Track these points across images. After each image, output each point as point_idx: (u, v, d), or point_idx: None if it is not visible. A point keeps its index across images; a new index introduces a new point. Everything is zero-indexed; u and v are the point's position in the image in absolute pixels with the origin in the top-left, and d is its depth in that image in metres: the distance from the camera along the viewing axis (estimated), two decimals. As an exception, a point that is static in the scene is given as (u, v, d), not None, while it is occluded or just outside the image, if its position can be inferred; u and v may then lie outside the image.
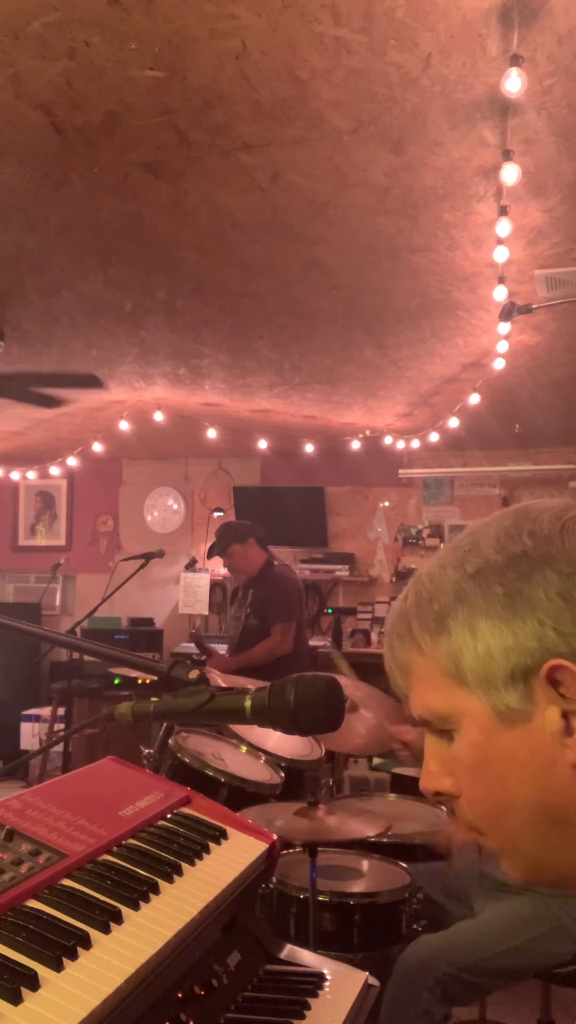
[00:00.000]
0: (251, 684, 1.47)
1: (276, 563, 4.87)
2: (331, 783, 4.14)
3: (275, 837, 1.34)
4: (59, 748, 5.58)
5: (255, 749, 2.94)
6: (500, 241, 2.84)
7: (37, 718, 6.50)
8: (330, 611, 6.90)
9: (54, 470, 7.14)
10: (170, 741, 2.68)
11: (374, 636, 6.58)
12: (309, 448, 6.34)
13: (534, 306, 2.82)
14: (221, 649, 5.06)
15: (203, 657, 5.00)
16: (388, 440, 6.05)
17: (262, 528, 4.91)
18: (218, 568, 6.86)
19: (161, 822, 1.25)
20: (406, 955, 2.17)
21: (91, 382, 4.84)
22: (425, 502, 6.89)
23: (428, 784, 0.77)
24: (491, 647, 0.69)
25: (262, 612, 4.68)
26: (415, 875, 2.40)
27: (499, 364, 4.17)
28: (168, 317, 3.91)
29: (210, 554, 5.05)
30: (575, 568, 0.68)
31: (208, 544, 7.27)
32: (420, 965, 2.13)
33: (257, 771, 2.83)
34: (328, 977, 1.25)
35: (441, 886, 2.48)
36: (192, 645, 5.64)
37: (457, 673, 0.71)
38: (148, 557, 4.61)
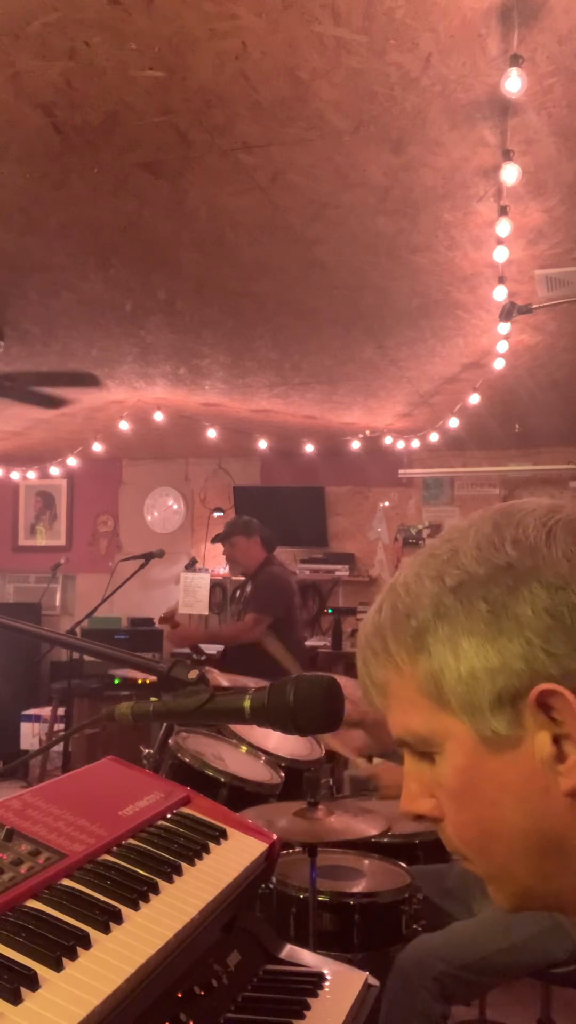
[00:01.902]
0: (251, 684, 1.48)
1: (275, 565, 4.88)
2: (331, 783, 4.13)
3: (275, 837, 1.34)
4: (59, 748, 5.58)
5: (255, 749, 2.94)
6: (500, 241, 2.84)
7: (37, 718, 6.50)
8: (330, 611, 6.90)
9: (54, 470, 7.14)
10: (170, 741, 2.68)
11: (374, 636, 6.58)
12: (309, 448, 6.35)
13: (534, 306, 2.82)
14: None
15: (203, 657, 5.02)
16: (388, 440, 6.05)
17: (273, 532, 4.93)
18: (218, 568, 6.86)
19: (161, 822, 1.25)
20: (404, 954, 2.17)
21: (89, 381, 4.84)
22: (425, 502, 6.89)
23: (409, 806, 0.72)
24: (475, 668, 0.64)
25: (247, 606, 4.70)
26: (415, 875, 2.40)
27: (499, 364, 4.18)
28: (168, 317, 3.91)
29: (214, 539, 5.06)
30: (564, 581, 0.63)
31: (207, 544, 7.30)
32: (418, 964, 2.13)
33: (257, 771, 2.83)
34: (328, 977, 1.25)
35: (440, 888, 2.48)
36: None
37: (438, 695, 0.66)
38: (148, 557, 4.62)
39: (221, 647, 5.05)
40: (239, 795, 2.61)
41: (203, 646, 5.05)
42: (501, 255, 2.90)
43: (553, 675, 0.62)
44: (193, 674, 1.10)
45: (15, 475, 7.46)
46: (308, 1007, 1.15)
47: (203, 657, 5.13)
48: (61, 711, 5.78)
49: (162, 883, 1.09)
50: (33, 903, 0.97)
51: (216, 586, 6.98)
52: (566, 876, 0.66)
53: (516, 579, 0.64)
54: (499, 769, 0.65)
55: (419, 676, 0.67)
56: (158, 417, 5.64)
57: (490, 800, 0.66)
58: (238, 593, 5.02)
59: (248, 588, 4.86)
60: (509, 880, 0.69)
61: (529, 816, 0.65)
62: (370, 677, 0.72)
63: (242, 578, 5.02)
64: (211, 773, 2.64)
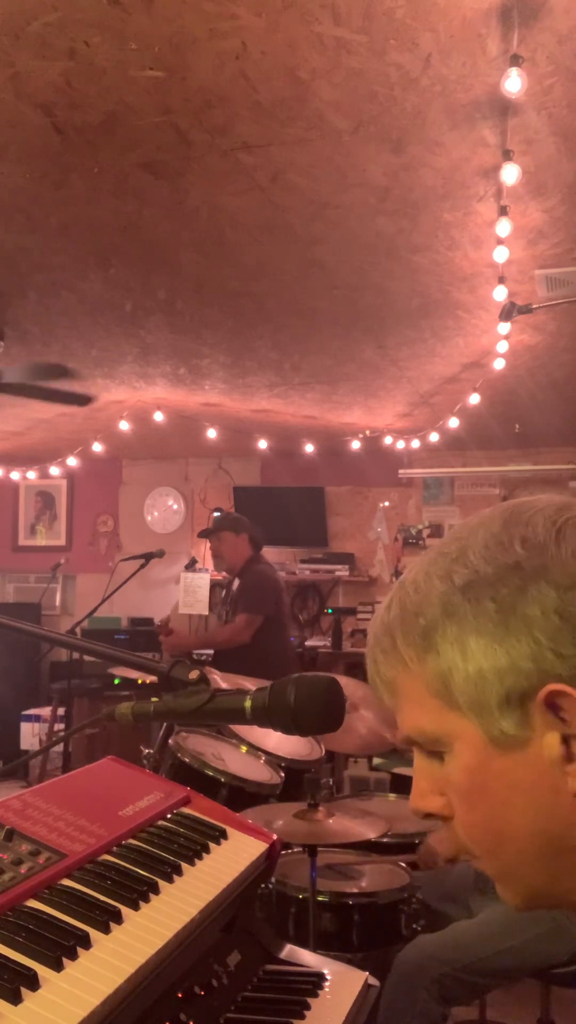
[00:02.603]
0: (251, 684, 1.48)
1: (261, 563, 4.88)
2: (331, 783, 4.13)
3: (275, 837, 1.34)
4: (59, 748, 5.58)
5: (255, 749, 2.94)
6: (500, 241, 2.84)
7: (37, 718, 6.50)
8: (330, 611, 6.90)
9: (54, 470, 7.14)
10: (170, 741, 2.68)
11: (374, 636, 6.57)
12: (309, 448, 6.35)
13: (534, 306, 2.82)
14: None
15: (203, 657, 5.01)
16: (388, 440, 6.05)
17: (261, 531, 4.92)
18: (218, 568, 6.86)
19: (161, 822, 1.25)
20: (404, 955, 2.17)
21: (80, 400, 4.79)
22: (425, 502, 6.89)
23: (419, 804, 0.72)
24: (483, 668, 0.64)
25: (235, 607, 4.67)
26: (414, 876, 2.40)
27: (499, 364, 4.18)
28: (168, 317, 3.91)
29: (201, 533, 5.04)
30: (573, 581, 0.62)
31: (208, 544, 7.30)
32: (418, 965, 2.13)
33: (257, 771, 2.83)
34: (328, 977, 1.25)
35: (438, 891, 2.48)
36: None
37: (447, 695, 0.66)
38: (148, 557, 4.61)
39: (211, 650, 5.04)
40: (239, 795, 2.61)
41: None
42: (501, 255, 2.90)
43: (562, 675, 0.62)
44: (194, 674, 1.10)
45: (15, 475, 7.46)
46: (308, 1007, 1.15)
47: (203, 657, 5.13)
48: (61, 711, 5.78)
49: (162, 883, 1.09)
50: (33, 903, 0.97)
51: (216, 586, 6.98)
52: (574, 877, 0.66)
53: (524, 578, 0.64)
54: (508, 769, 0.65)
55: (428, 675, 0.67)
56: (158, 417, 5.64)
57: (500, 800, 0.66)
58: (224, 592, 4.98)
59: (235, 587, 4.83)
60: (518, 880, 0.69)
61: (538, 817, 0.65)
62: (379, 676, 0.72)
63: (226, 575, 4.97)
64: (211, 773, 2.64)
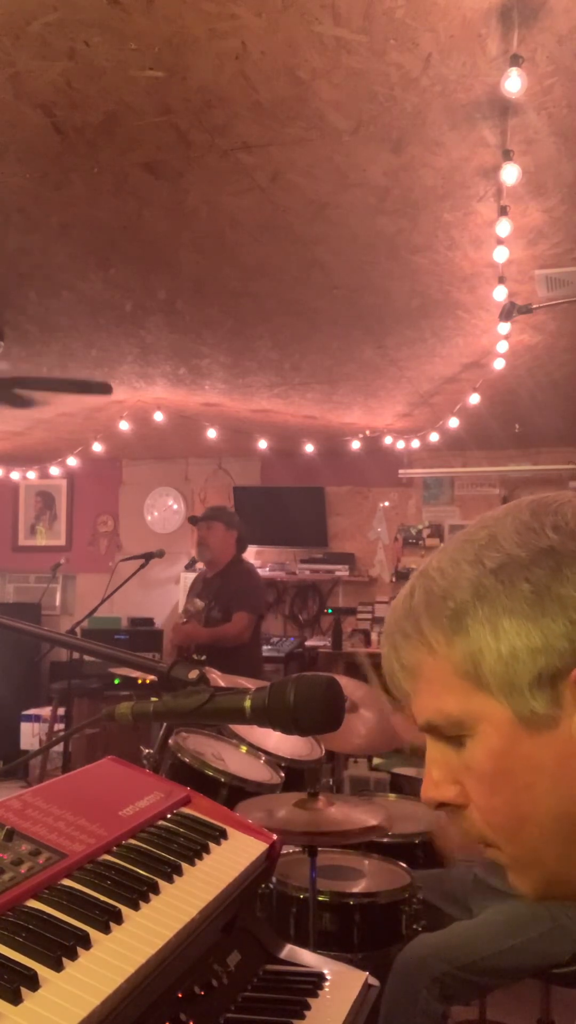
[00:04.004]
0: (250, 684, 1.48)
1: (247, 563, 4.87)
2: (331, 783, 4.14)
3: (275, 837, 1.34)
4: (59, 748, 5.58)
5: (255, 749, 2.94)
6: (500, 241, 2.84)
7: (37, 718, 6.50)
8: (330, 611, 6.90)
9: (54, 470, 7.14)
10: (170, 741, 2.68)
11: (374, 636, 6.58)
12: (309, 448, 6.35)
13: (534, 306, 2.82)
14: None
15: (202, 657, 5.00)
16: (388, 440, 6.05)
17: (249, 532, 4.92)
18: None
19: (161, 822, 1.25)
20: (404, 954, 2.17)
21: (103, 389, 4.81)
22: (425, 502, 6.89)
23: (432, 794, 0.72)
24: (516, 648, 0.64)
25: (226, 604, 4.62)
26: (415, 876, 2.40)
27: (499, 364, 4.17)
28: (168, 317, 3.91)
29: (193, 519, 4.98)
30: None
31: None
32: (418, 964, 2.13)
33: (257, 771, 2.83)
34: (328, 977, 1.25)
35: (439, 891, 2.48)
36: None
37: (476, 675, 0.66)
38: (148, 557, 4.61)
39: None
40: (239, 795, 2.61)
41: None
42: (501, 255, 2.90)
43: None
44: (193, 674, 1.10)
45: (15, 475, 7.46)
46: (308, 1007, 1.15)
47: (203, 657, 5.12)
48: (61, 711, 5.78)
49: (162, 883, 1.09)
50: (33, 903, 0.97)
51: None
52: None
53: (559, 561, 0.65)
54: (534, 751, 0.65)
55: (456, 657, 0.67)
56: (158, 417, 5.64)
57: (524, 783, 0.66)
58: (200, 585, 4.87)
59: (223, 584, 4.77)
60: (536, 866, 0.69)
61: (564, 799, 0.65)
62: (400, 661, 0.72)
63: (201, 565, 4.90)
64: (211, 773, 2.64)
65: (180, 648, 4.73)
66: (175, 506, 7.52)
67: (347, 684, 3.05)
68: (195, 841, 1.22)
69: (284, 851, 1.68)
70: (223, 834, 1.28)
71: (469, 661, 0.67)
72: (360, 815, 2.25)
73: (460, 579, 0.68)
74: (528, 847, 0.68)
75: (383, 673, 0.75)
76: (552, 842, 0.67)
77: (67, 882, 1.02)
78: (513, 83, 1.97)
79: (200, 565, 5.11)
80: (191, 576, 6.40)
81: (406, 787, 4.65)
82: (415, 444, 6.02)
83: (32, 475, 7.41)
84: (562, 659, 0.63)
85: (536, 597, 0.64)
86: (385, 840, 2.59)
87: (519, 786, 0.66)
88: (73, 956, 0.89)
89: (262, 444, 6.38)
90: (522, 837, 0.68)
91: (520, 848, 0.69)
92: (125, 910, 1.00)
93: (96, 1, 1.84)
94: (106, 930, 0.95)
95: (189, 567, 6.56)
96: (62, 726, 5.73)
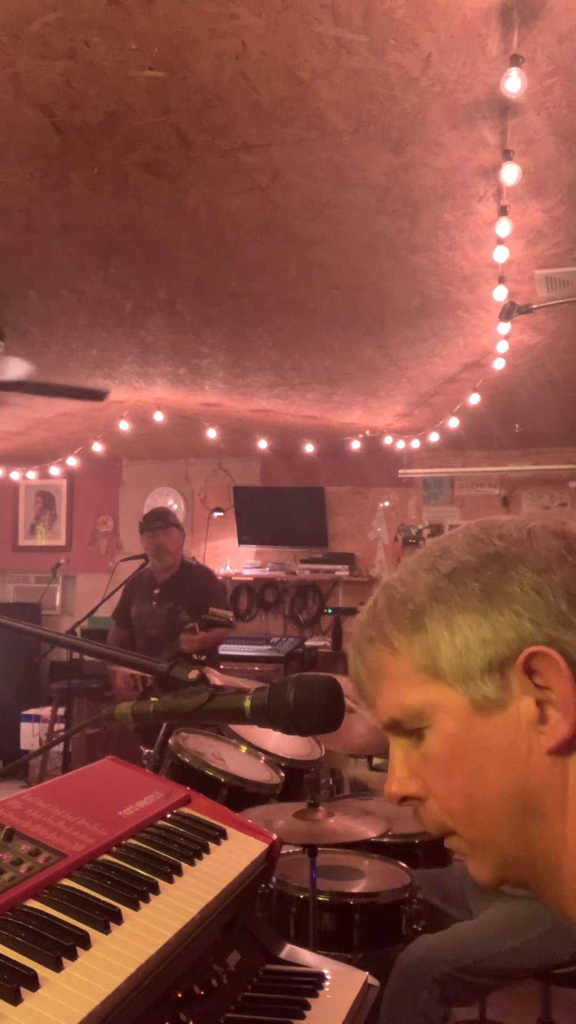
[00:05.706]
0: (249, 684, 1.48)
1: (195, 561, 4.86)
2: (331, 783, 4.13)
3: (275, 837, 1.34)
4: (59, 748, 5.58)
5: (255, 749, 2.94)
6: (500, 241, 2.84)
7: (37, 718, 6.50)
8: (330, 611, 6.90)
9: (54, 470, 7.14)
10: (170, 741, 2.68)
11: (374, 636, 6.58)
12: (309, 448, 6.34)
13: (534, 306, 2.82)
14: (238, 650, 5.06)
15: (203, 657, 5.00)
16: (388, 440, 6.05)
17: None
18: (219, 567, 6.85)
19: (161, 822, 1.25)
20: (405, 955, 2.17)
21: (98, 396, 4.80)
22: (425, 502, 6.89)
23: (396, 789, 0.78)
24: (469, 640, 0.71)
25: (195, 605, 4.52)
26: (415, 875, 2.40)
27: (499, 364, 4.17)
28: (168, 317, 3.91)
29: (155, 517, 4.80)
30: (546, 565, 0.71)
31: (207, 544, 7.30)
32: (419, 965, 2.13)
33: (257, 771, 2.83)
34: (328, 977, 1.25)
35: (439, 891, 2.48)
36: None
37: (434, 668, 0.73)
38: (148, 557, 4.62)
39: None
40: (239, 795, 2.61)
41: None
42: (501, 255, 2.90)
43: (538, 642, 0.69)
44: (193, 674, 1.10)
45: (15, 475, 7.46)
46: (308, 1007, 1.15)
47: (203, 657, 5.12)
48: (61, 711, 5.79)
49: (162, 883, 1.09)
50: (33, 903, 0.97)
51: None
52: (545, 839, 0.71)
53: (505, 564, 0.72)
54: (486, 733, 0.71)
55: (415, 653, 0.74)
56: (158, 417, 5.64)
57: (477, 766, 0.72)
58: (156, 590, 4.80)
59: (183, 585, 4.69)
60: (491, 848, 0.74)
61: (512, 779, 0.71)
62: (364, 664, 0.78)
63: (155, 569, 4.85)
64: (211, 773, 2.64)
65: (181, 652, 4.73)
66: (175, 506, 7.52)
67: (347, 684, 3.04)
68: (195, 841, 1.22)
69: (284, 851, 1.69)
70: (223, 834, 1.28)
71: (427, 655, 0.73)
72: (360, 827, 2.25)
73: (418, 585, 0.75)
74: (483, 829, 0.73)
75: (350, 679, 0.81)
76: (503, 822, 0.72)
77: (67, 882, 1.03)
78: (513, 83, 1.96)
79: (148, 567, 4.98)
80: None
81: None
82: (415, 444, 6.02)
83: (32, 475, 7.41)
84: (509, 647, 0.70)
85: (485, 595, 0.72)
86: (385, 840, 2.59)
87: (473, 769, 0.72)
88: (73, 956, 0.89)
89: (262, 444, 6.38)
90: (477, 820, 0.73)
91: (475, 831, 0.74)
92: (125, 910, 1.00)
93: (96, 1, 1.84)
94: (106, 930, 0.95)
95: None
96: (62, 726, 5.73)
